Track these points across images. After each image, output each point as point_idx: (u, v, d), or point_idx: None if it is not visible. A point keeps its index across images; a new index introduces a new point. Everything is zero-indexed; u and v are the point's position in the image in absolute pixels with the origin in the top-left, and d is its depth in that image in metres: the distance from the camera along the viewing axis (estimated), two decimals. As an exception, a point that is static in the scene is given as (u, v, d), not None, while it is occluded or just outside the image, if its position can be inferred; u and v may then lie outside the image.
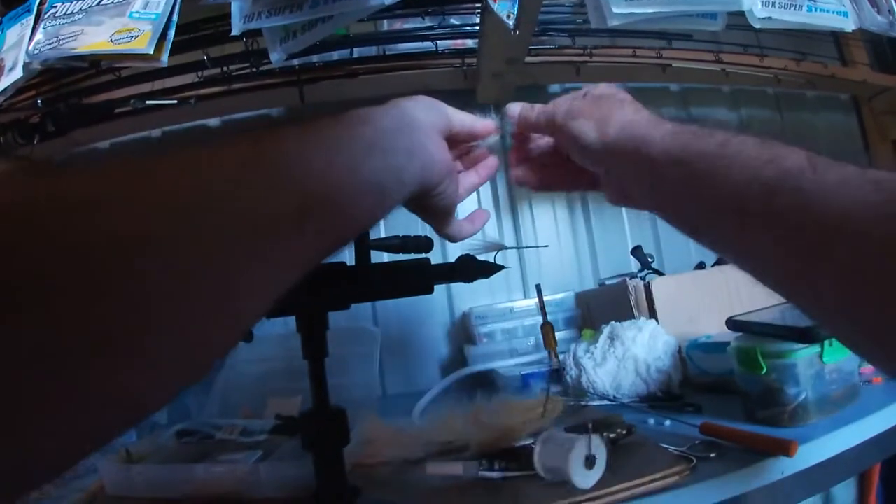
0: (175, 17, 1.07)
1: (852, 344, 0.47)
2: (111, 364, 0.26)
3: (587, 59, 1.59)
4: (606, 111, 0.60)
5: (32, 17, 1.11)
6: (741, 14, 1.19)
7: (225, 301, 0.32)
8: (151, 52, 1.03)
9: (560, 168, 0.69)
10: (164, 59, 1.06)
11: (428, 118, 0.53)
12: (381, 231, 1.71)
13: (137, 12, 1.06)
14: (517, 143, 0.73)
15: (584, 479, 0.71)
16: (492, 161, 0.68)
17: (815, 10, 1.24)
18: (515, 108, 0.69)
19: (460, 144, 0.65)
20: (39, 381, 0.24)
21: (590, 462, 0.70)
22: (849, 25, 1.28)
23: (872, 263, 0.37)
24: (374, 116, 0.48)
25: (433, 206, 0.56)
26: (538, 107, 0.67)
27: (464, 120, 0.60)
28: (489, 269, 0.63)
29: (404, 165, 0.47)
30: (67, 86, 1.51)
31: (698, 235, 0.54)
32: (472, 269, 0.62)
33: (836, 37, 1.98)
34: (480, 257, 0.63)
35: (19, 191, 0.28)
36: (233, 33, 1.06)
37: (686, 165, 0.50)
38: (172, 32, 1.07)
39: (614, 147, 0.57)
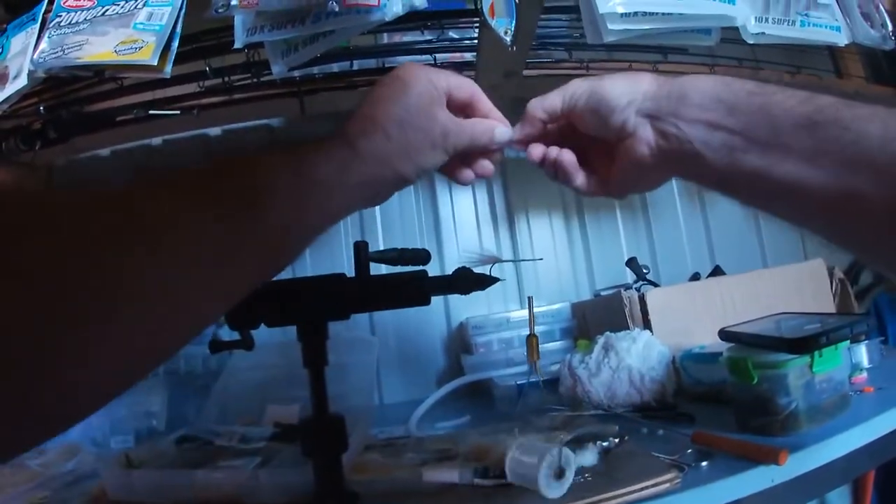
0: (179, 29, 1.08)
1: None
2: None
3: (584, 72, 1.60)
4: (632, 75, 0.60)
5: (37, 26, 1.11)
6: (735, 29, 1.20)
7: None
8: (155, 63, 1.04)
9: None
10: (168, 70, 1.06)
11: (419, 102, 0.57)
12: (381, 244, 1.73)
13: (142, 23, 1.07)
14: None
15: (552, 489, 0.72)
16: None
17: (808, 26, 1.26)
18: (536, 105, 0.65)
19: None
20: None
21: (558, 473, 0.71)
22: (841, 40, 1.29)
23: None
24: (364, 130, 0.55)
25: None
26: (553, 98, 0.64)
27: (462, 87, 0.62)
28: (485, 282, 0.65)
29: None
30: (70, 93, 1.51)
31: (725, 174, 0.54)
32: (468, 281, 0.64)
33: (832, 49, 1.99)
34: (476, 269, 0.65)
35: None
36: (235, 46, 1.07)
37: (727, 106, 0.52)
38: (176, 44, 1.07)
39: (649, 93, 0.57)
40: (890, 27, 1.35)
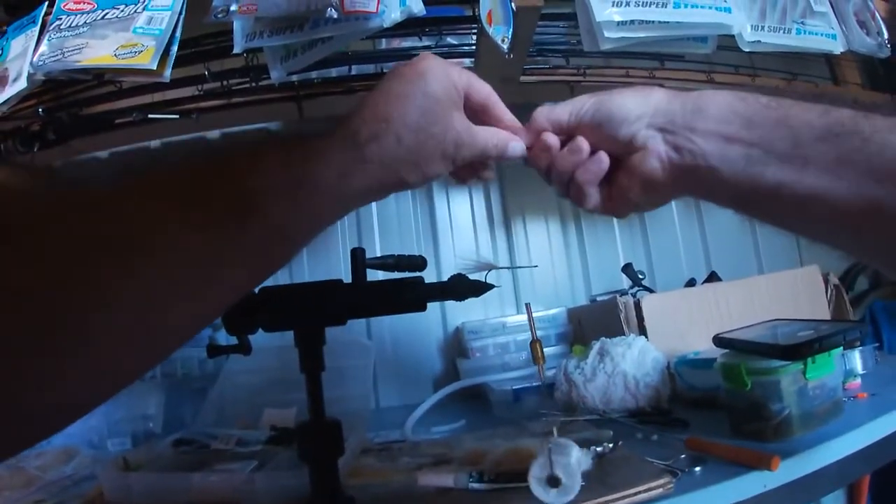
0: (178, 34, 1.08)
1: None
2: None
3: (581, 78, 1.61)
4: (643, 88, 0.59)
5: (37, 29, 1.11)
6: (732, 36, 1.21)
7: None
8: (155, 67, 1.04)
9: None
10: (167, 74, 1.07)
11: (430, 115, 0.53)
12: (378, 249, 1.73)
13: (141, 28, 1.07)
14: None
15: (549, 497, 0.72)
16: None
17: (804, 34, 1.27)
18: (542, 116, 0.62)
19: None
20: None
21: (553, 481, 0.71)
22: (837, 48, 1.30)
23: None
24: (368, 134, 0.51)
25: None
26: (559, 111, 0.62)
27: (482, 92, 0.59)
28: (480, 289, 0.65)
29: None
30: (68, 95, 1.52)
31: (746, 193, 0.54)
32: (463, 288, 0.64)
33: (828, 56, 2.00)
34: (472, 276, 0.65)
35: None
36: (234, 51, 1.08)
37: (744, 119, 0.52)
38: (175, 48, 1.07)
39: (661, 106, 0.56)
40: (886, 35, 1.36)
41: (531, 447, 0.81)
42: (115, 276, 0.37)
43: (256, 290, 0.62)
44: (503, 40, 1.02)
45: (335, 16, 0.94)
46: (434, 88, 0.53)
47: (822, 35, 1.29)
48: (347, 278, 0.63)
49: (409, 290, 0.62)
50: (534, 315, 1.56)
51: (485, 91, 0.60)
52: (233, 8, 0.98)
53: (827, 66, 2.04)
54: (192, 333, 0.45)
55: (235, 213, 0.44)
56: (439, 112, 0.54)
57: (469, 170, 0.63)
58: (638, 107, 0.56)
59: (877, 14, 1.36)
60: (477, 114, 0.60)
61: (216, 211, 0.43)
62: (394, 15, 0.97)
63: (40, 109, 1.48)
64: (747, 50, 1.23)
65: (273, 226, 0.46)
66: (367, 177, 0.51)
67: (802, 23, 1.27)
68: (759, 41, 1.21)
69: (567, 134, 0.62)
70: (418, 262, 0.67)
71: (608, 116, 0.58)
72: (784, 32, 1.24)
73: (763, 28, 1.23)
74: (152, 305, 0.39)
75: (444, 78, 0.54)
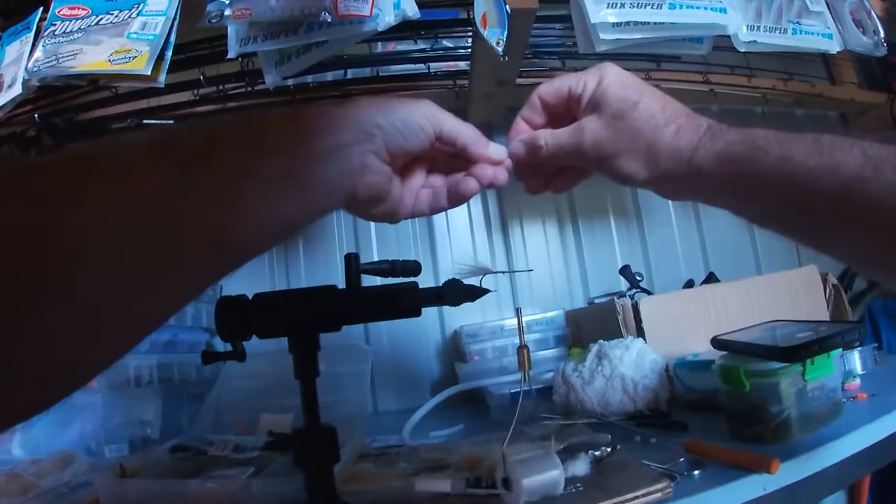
0: (172, 39, 1.08)
1: None
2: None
3: (578, 80, 1.61)
4: (648, 140, 0.56)
5: (32, 34, 1.12)
6: (728, 37, 1.21)
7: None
8: (149, 72, 1.04)
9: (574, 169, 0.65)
10: (162, 79, 1.07)
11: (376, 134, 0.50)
12: (375, 253, 1.73)
13: (135, 33, 1.08)
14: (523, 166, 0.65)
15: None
16: (467, 189, 0.61)
17: (800, 33, 1.27)
18: (520, 148, 0.63)
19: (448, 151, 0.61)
20: None
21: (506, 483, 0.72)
22: (833, 47, 1.31)
23: None
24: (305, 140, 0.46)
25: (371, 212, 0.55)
26: (550, 139, 0.61)
27: (458, 131, 0.58)
28: (475, 294, 0.65)
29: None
30: (64, 101, 1.52)
31: (763, 226, 0.57)
32: (458, 293, 0.64)
33: (825, 56, 2.00)
34: (467, 281, 0.65)
35: None
36: (229, 56, 1.08)
37: (747, 190, 0.53)
38: (170, 53, 1.08)
39: (667, 176, 0.56)
40: (882, 33, 1.36)
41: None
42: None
43: (250, 295, 0.62)
44: (498, 43, 1.02)
45: (329, 19, 0.94)
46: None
47: (818, 34, 1.30)
48: (342, 284, 0.62)
49: (403, 296, 0.62)
50: (532, 318, 1.57)
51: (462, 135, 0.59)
52: (227, 12, 0.98)
53: (823, 65, 2.05)
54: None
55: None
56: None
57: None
58: (645, 179, 0.58)
59: (873, 13, 1.37)
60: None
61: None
62: (388, 18, 0.97)
63: (36, 115, 1.49)
64: (743, 50, 1.23)
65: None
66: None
67: (798, 22, 1.27)
68: (754, 41, 1.22)
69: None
70: (413, 267, 0.66)
71: (607, 174, 0.60)
72: (780, 32, 1.25)
73: (759, 28, 1.23)
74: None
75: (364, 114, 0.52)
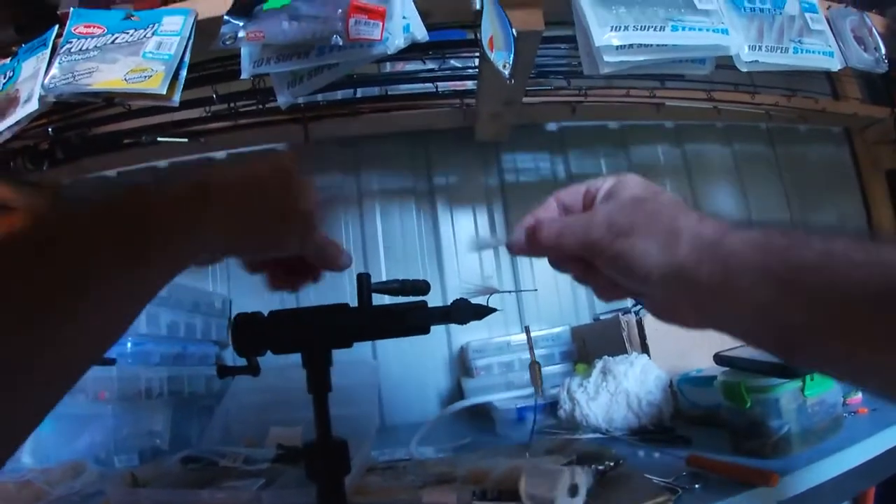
0: (187, 58, 1.10)
1: None
2: None
3: (582, 98, 1.64)
4: (669, 221, 0.48)
5: (48, 51, 1.12)
6: (730, 56, 1.23)
7: None
8: (164, 92, 1.06)
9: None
10: (176, 98, 1.08)
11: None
12: (383, 270, 1.75)
13: (151, 52, 1.09)
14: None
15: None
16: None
17: (802, 52, 1.28)
18: (520, 235, 0.56)
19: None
20: None
21: (573, 490, 0.73)
22: (834, 65, 1.32)
23: None
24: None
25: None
26: (555, 224, 0.54)
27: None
28: (482, 312, 0.66)
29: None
30: (77, 115, 1.54)
31: (790, 355, 0.48)
32: (465, 312, 0.66)
33: (828, 72, 2.02)
34: (474, 300, 0.67)
35: None
36: (242, 77, 1.10)
37: (782, 282, 0.43)
38: (184, 73, 1.09)
39: (686, 268, 0.47)
40: (883, 50, 1.38)
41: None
42: None
43: (266, 312, 0.64)
44: (504, 66, 1.04)
45: (340, 43, 0.96)
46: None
47: (819, 53, 1.31)
48: (353, 302, 0.64)
49: (412, 315, 0.64)
50: (538, 333, 1.58)
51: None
52: (241, 34, 1.00)
53: (827, 81, 2.07)
54: None
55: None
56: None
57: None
58: (658, 265, 0.48)
59: (874, 30, 1.38)
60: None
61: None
62: (398, 42, 0.99)
63: (50, 129, 1.51)
64: (745, 70, 1.25)
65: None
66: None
67: (800, 41, 1.28)
68: (756, 61, 1.23)
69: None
70: (422, 287, 0.68)
71: (616, 265, 0.50)
72: (781, 52, 1.26)
73: (760, 48, 1.24)
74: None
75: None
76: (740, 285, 0.44)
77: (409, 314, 0.64)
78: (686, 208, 0.50)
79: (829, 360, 0.44)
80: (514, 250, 0.56)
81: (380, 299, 0.65)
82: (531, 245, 0.55)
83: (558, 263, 0.56)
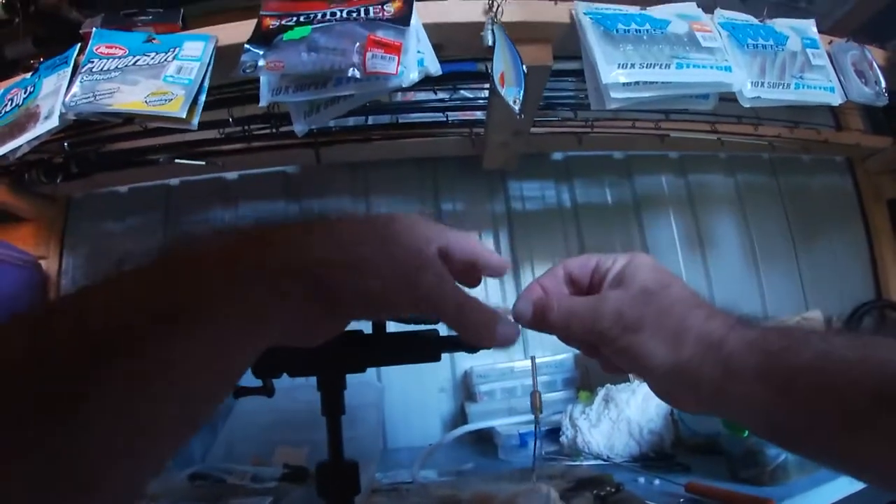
0: (206, 83, 1.12)
1: None
2: None
3: (589, 129, 1.66)
4: (678, 320, 0.49)
5: (69, 70, 1.14)
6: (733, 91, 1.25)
7: None
8: (184, 116, 1.07)
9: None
10: (195, 122, 1.09)
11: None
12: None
13: (171, 76, 1.10)
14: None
15: None
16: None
17: (803, 87, 1.30)
18: (527, 309, 0.53)
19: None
20: None
21: None
22: (835, 100, 1.33)
23: None
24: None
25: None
26: (563, 304, 0.53)
27: (462, 247, 0.50)
28: (491, 342, 0.69)
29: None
30: (93, 132, 1.56)
31: (791, 450, 0.51)
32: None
33: (830, 104, 2.04)
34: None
35: None
36: (261, 104, 1.12)
37: (779, 384, 0.44)
38: (203, 97, 1.11)
39: (689, 367, 0.48)
40: (883, 84, 1.39)
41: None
42: None
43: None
44: (515, 102, 1.06)
45: (357, 75, 0.98)
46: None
47: (820, 88, 1.32)
48: (367, 329, 0.66)
49: (425, 342, 0.66)
50: (541, 360, 1.59)
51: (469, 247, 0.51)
52: (261, 63, 1.02)
53: (830, 112, 2.08)
54: None
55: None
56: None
57: None
58: (662, 363, 0.48)
59: (874, 63, 1.40)
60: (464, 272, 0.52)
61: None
62: (412, 76, 1.02)
63: (66, 144, 1.52)
64: (748, 105, 1.27)
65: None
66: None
67: (801, 77, 1.30)
68: (759, 97, 1.25)
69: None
70: (433, 316, 0.70)
71: (622, 358, 0.51)
72: (783, 87, 1.28)
73: (763, 84, 1.26)
74: None
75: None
76: (738, 387, 0.46)
77: (422, 342, 0.66)
78: (696, 302, 0.51)
79: (829, 456, 0.46)
80: (522, 323, 0.53)
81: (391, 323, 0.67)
82: (538, 322, 0.53)
83: (566, 341, 0.55)
